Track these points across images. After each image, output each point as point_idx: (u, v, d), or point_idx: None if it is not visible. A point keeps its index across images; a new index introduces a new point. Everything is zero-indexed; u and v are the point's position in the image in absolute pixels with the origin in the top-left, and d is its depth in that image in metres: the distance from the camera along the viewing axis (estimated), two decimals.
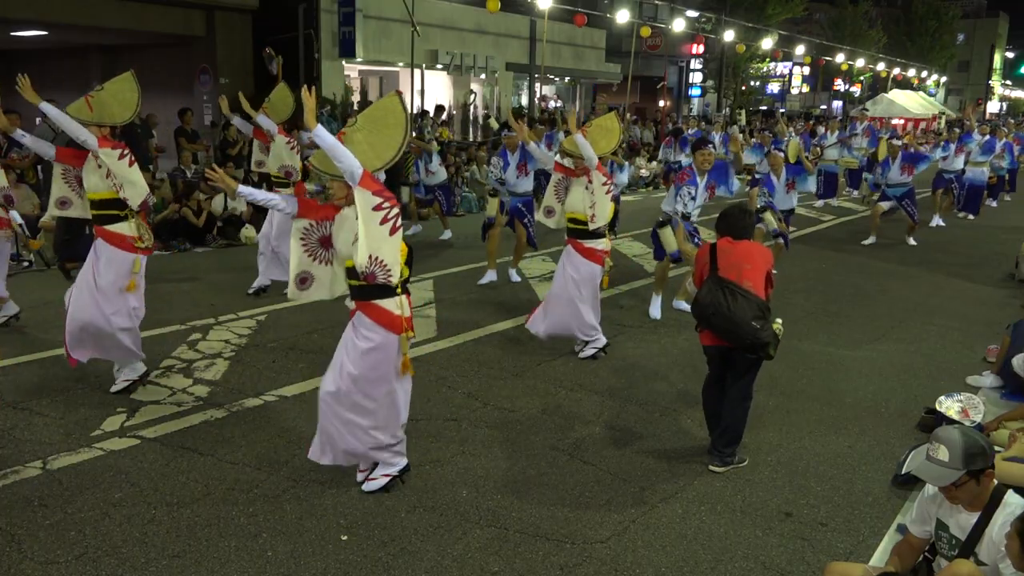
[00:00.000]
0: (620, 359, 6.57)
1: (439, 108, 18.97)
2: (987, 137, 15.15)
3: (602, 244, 6.46)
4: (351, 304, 4.14)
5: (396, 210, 3.89)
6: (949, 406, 5.09)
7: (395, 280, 3.96)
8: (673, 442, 5.02)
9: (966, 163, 14.63)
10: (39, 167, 10.77)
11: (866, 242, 12.15)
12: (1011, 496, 3.00)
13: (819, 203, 16.12)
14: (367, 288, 3.99)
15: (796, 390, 5.99)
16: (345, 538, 3.85)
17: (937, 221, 14.11)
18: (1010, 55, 71.95)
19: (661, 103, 30.91)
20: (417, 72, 18.99)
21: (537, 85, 25.27)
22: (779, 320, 4.47)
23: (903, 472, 4.52)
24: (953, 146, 14.32)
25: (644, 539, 3.93)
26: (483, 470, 4.58)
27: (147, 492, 4.20)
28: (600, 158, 6.41)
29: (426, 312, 7.82)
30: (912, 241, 12.22)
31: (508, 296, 8.52)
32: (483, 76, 23.92)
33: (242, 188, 4.15)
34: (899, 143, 12.15)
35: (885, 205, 12.18)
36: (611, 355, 6.64)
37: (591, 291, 6.47)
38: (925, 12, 50.56)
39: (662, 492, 4.39)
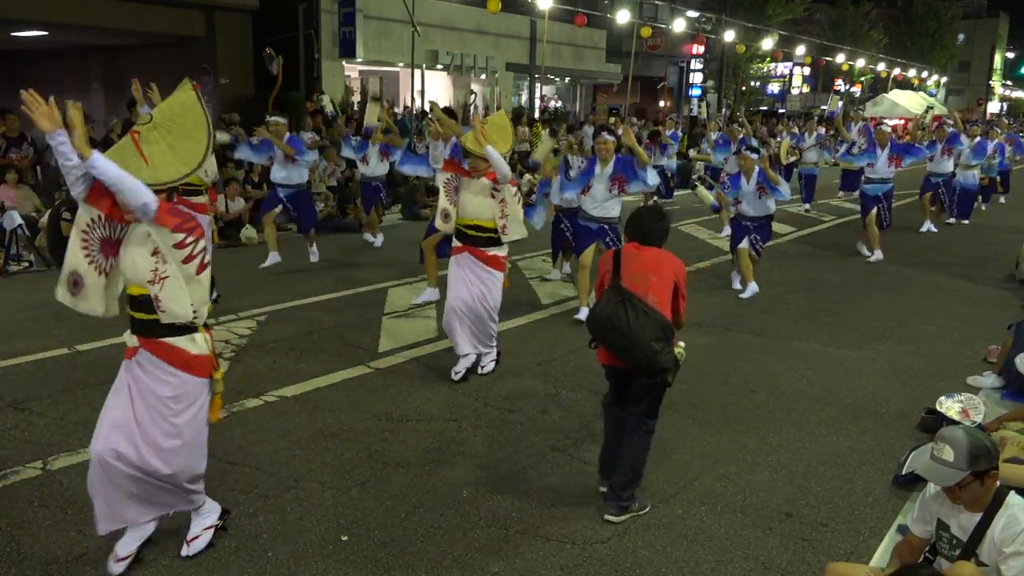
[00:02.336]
0: None
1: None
2: (977, 139, 14.22)
3: (504, 251, 5.98)
4: (130, 340, 3.45)
5: (202, 244, 3.37)
6: (950, 406, 5.09)
7: (200, 322, 3.44)
8: (673, 442, 5.02)
9: (956, 167, 13.85)
10: (39, 167, 10.79)
11: (873, 259, 10.92)
12: (1013, 497, 2.99)
13: (804, 208, 15.58)
14: (158, 324, 3.34)
15: (796, 390, 5.99)
16: (345, 538, 3.85)
17: (927, 226, 13.51)
18: (1010, 55, 72.03)
19: (661, 103, 30.93)
20: (417, 72, 19.01)
21: (537, 85, 25.28)
22: (682, 344, 4.04)
23: (904, 472, 4.52)
24: (940, 146, 13.40)
25: (644, 539, 3.93)
26: (483, 470, 4.58)
27: None
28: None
29: (426, 312, 7.82)
30: (867, 252, 11.00)
31: (508, 296, 8.49)
32: (483, 76, 23.93)
33: (58, 136, 3.12)
34: (887, 131, 11.18)
35: (875, 214, 10.89)
36: None
37: (496, 300, 6.00)
38: (925, 12, 50.63)
39: (662, 492, 4.38)
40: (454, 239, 6.00)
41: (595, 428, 5.21)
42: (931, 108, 17.09)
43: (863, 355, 6.85)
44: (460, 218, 5.90)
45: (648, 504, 4.21)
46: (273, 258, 9.32)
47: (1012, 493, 3.02)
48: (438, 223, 6.25)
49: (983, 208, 16.28)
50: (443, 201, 6.11)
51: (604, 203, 7.33)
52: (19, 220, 9.18)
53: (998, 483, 3.02)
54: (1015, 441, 4.35)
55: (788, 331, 7.52)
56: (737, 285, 8.99)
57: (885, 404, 5.77)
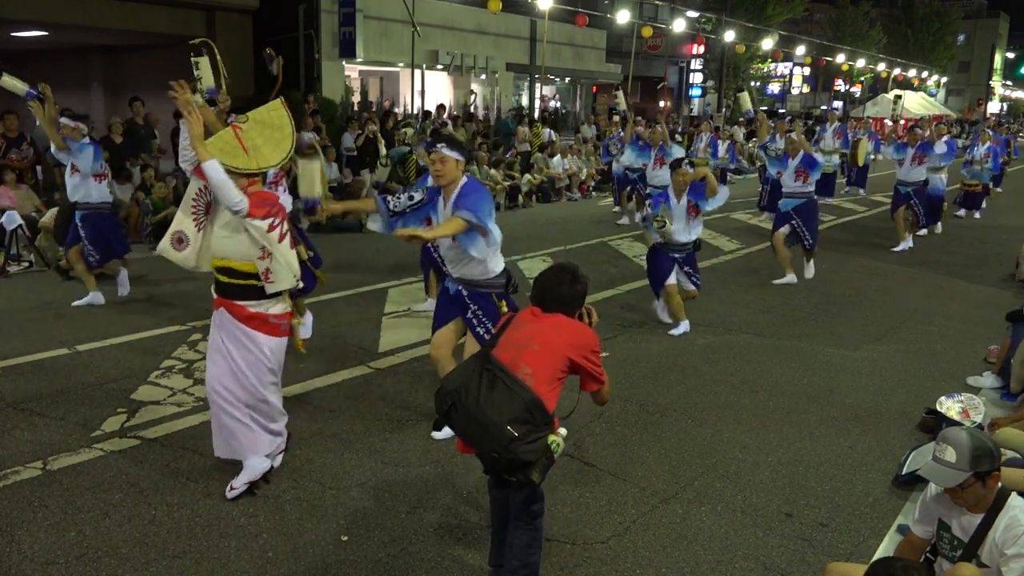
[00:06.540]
0: (621, 359, 6.57)
1: (440, 108, 18.97)
2: (945, 139, 12.92)
3: (279, 307, 4.14)
4: None
5: None
6: (950, 407, 5.09)
7: None
8: (673, 442, 5.02)
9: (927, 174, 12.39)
10: (39, 167, 10.78)
11: (781, 280, 9.39)
12: (1015, 499, 2.99)
13: (763, 215, 14.11)
14: None
15: (796, 390, 5.99)
16: (345, 538, 3.85)
17: (906, 244, 11.91)
18: (1010, 55, 72.11)
19: (661, 103, 30.94)
20: (417, 72, 19.02)
21: (537, 85, 25.28)
22: (562, 432, 3.09)
23: (904, 473, 4.52)
24: (911, 151, 11.75)
25: (644, 539, 3.93)
26: (484, 470, 4.57)
27: (147, 493, 4.20)
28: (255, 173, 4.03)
29: (426, 312, 7.81)
30: (808, 274, 9.52)
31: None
32: (483, 76, 23.94)
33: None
34: (795, 136, 9.57)
35: (784, 231, 9.26)
36: (611, 355, 6.63)
37: (259, 379, 4.13)
38: (925, 13, 50.69)
39: (662, 492, 4.38)
40: (212, 289, 4.20)
41: (595, 429, 5.21)
42: (900, 97, 16.23)
43: (863, 355, 6.85)
44: (215, 259, 4.10)
45: None
46: (94, 297, 7.27)
47: (1014, 495, 3.01)
48: (169, 251, 4.15)
49: (978, 215, 15.68)
50: (181, 220, 4.12)
51: (448, 252, 4.74)
52: (19, 220, 9.17)
53: (1000, 484, 3.02)
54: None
55: (788, 331, 7.52)
56: (666, 318, 7.60)
57: (885, 404, 5.77)
